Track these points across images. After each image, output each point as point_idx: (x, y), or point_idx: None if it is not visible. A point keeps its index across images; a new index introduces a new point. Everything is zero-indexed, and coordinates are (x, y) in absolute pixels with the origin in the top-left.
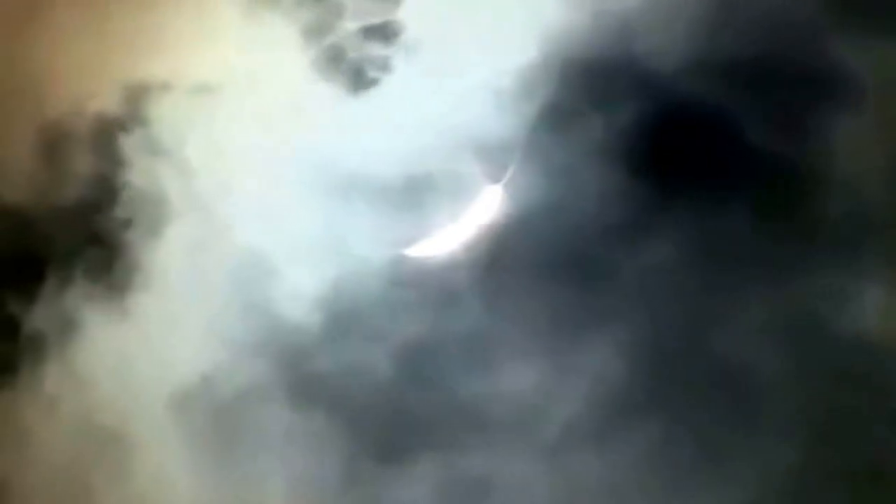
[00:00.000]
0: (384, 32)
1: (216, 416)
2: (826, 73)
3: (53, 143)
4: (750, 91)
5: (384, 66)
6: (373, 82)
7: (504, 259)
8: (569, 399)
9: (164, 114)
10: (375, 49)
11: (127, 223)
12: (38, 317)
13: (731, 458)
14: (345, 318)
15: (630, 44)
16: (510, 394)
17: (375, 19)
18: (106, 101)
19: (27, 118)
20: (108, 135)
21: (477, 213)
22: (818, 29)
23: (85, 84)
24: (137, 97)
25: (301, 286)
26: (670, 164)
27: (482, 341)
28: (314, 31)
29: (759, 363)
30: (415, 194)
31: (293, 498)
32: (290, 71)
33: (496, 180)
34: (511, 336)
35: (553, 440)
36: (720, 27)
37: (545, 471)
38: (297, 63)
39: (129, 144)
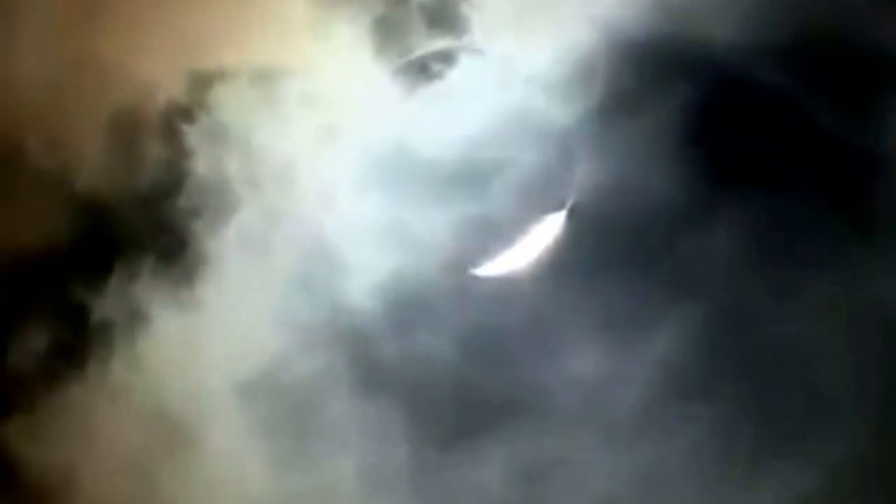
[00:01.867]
0: (449, 25)
1: (283, 404)
2: (890, 55)
3: (123, 133)
4: (812, 74)
5: (448, 57)
6: (437, 73)
7: (567, 246)
8: (632, 383)
9: (230, 102)
10: (440, 41)
11: (193, 212)
12: (106, 307)
13: (794, 443)
14: (409, 305)
15: (689, 28)
16: (574, 379)
17: (441, 13)
18: (174, 89)
19: (98, 108)
20: (175, 124)
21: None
22: (881, 9)
23: (153, 73)
24: (204, 85)
25: (365, 273)
26: (731, 149)
27: (546, 327)
28: (381, 22)
29: (821, 347)
30: (478, 182)
31: (362, 483)
32: (355, 60)
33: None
34: (574, 322)
35: (617, 424)
36: (781, 9)
37: (610, 454)
38: (363, 52)
39: (195, 133)
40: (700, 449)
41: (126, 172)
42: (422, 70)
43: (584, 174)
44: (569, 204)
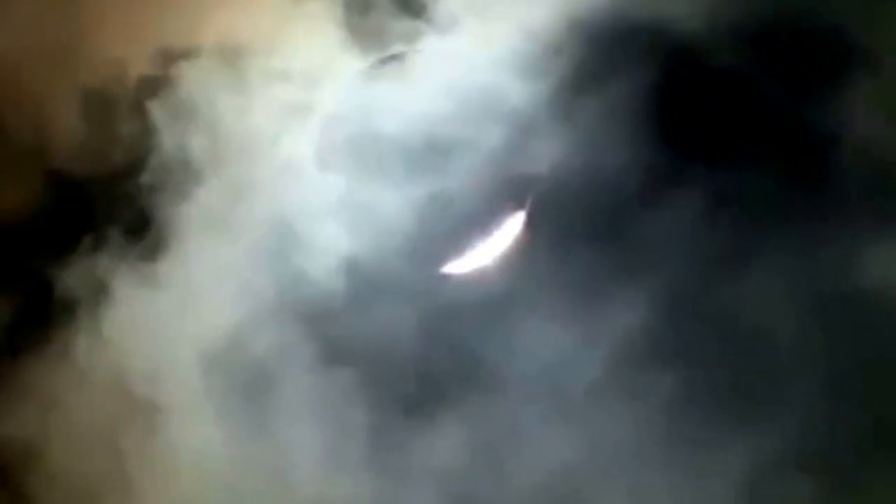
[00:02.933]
0: (417, 5)
1: (244, 376)
2: (843, 38)
3: (94, 109)
4: (767, 53)
5: (413, 38)
6: (402, 53)
7: (527, 221)
8: (591, 355)
9: (197, 79)
10: (407, 22)
11: (158, 187)
12: (71, 280)
13: (746, 414)
14: (369, 281)
15: (648, 9)
16: (534, 352)
17: None
18: (141, 66)
19: (67, 84)
20: (142, 99)
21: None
22: None
23: (121, 50)
24: (171, 63)
25: (327, 248)
26: (692, 127)
27: (507, 300)
28: (348, 2)
29: (778, 318)
30: (440, 161)
31: (322, 455)
32: (321, 39)
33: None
34: (535, 295)
35: (573, 396)
36: None
37: (565, 426)
38: (329, 32)
39: (161, 109)
40: (654, 419)
41: (96, 148)
42: (387, 50)
43: (546, 152)
44: (529, 181)
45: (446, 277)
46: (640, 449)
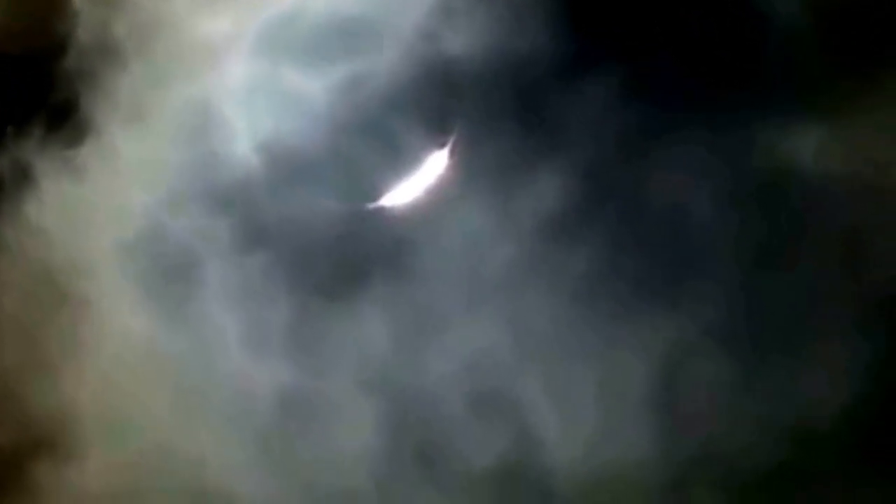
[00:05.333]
0: None
1: (166, 264)
2: None
3: None
4: None
5: None
6: None
7: (444, 101)
8: (509, 238)
9: None
10: None
11: (80, 73)
12: None
13: (666, 299)
14: (290, 166)
15: None
16: (449, 235)
17: None
18: None
19: None
20: None
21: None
22: None
23: None
24: None
25: (249, 134)
26: (608, 10)
27: (426, 182)
28: None
29: (694, 199)
30: (359, 41)
31: (245, 341)
32: None
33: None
34: (453, 175)
35: (492, 279)
36: None
37: (485, 309)
38: None
39: None
40: (571, 301)
41: (16, 32)
42: None
43: (459, 31)
44: (444, 59)
45: (365, 156)
46: (557, 331)
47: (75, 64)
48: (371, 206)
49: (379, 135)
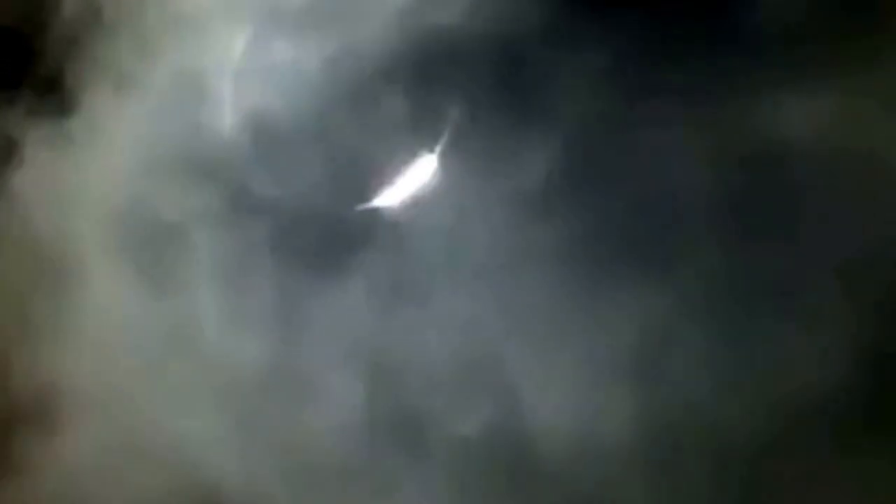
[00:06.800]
0: None
1: (153, 239)
2: None
3: None
4: None
5: None
6: None
7: (431, 65)
8: (494, 207)
9: None
10: None
11: (66, 41)
12: None
13: (654, 266)
14: (277, 139)
15: None
16: (441, 204)
17: None
18: None
19: None
20: None
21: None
22: None
23: None
24: None
25: (236, 106)
26: None
27: (417, 155)
28: None
29: (681, 172)
30: (344, 9)
31: (230, 314)
32: None
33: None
34: (444, 148)
35: (478, 254)
36: None
37: (472, 284)
38: None
39: None
40: (557, 274)
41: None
42: None
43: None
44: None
45: (356, 130)
46: (542, 302)
47: (61, 34)
48: (359, 179)
49: (370, 108)
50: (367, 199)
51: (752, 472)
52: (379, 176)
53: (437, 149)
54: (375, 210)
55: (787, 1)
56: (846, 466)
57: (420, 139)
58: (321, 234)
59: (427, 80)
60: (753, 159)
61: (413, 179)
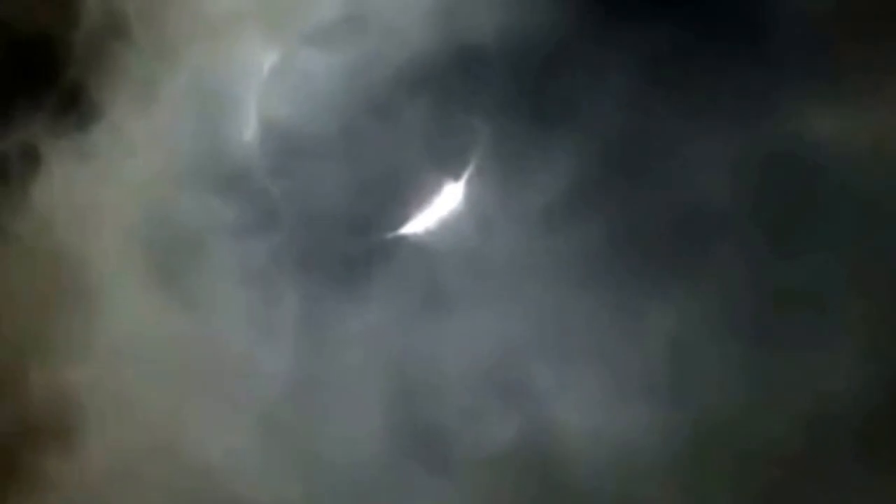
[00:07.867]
0: None
1: (175, 250)
2: None
3: None
4: None
5: None
6: None
7: (458, 79)
8: (521, 217)
9: None
10: None
11: (89, 52)
12: (4, 150)
13: (683, 271)
14: (299, 149)
15: None
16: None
17: None
18: None
19: None
20: None
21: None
22: None
23: None
24: None
25: (257, 116)
26: None
27: (441, 163)
28: None
29: (710, 177)
30: (366, 17)
31: (253, 323)
32: None
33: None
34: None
35: (504, 263)
36: None
37: (499, 295)
38: None
39: None
40: (583, 287)
41: (26, 6)
42: None
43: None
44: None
45: (378, 134)
46: (568, 315)
47: (85, 45)
48: (384, 193)
49: (395, 121)
50: (392, 212)
51: (777, 486)
52: (404, 189)
53: (464, 162)
54: (401, 223)
55: (815, 7)
56: (870, 479)
57: (446, 152)
58: (345, 248)
59: (454, 95)
60: (781, 170)
61: (438, 193)
